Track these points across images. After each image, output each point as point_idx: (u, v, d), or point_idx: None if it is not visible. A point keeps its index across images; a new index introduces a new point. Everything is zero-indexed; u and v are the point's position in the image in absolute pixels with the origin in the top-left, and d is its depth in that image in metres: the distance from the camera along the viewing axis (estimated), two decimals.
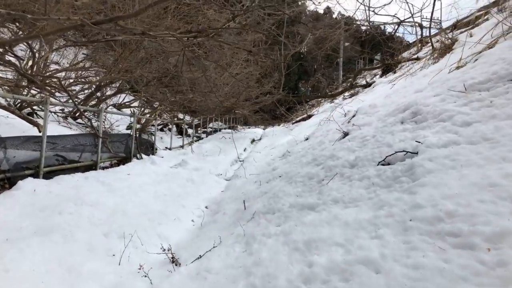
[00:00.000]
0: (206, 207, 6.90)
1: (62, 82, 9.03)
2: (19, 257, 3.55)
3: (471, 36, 10.87)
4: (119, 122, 14.54)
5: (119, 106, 16.18)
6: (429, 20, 14.65)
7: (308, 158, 6.54)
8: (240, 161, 12.89)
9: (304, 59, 40.31)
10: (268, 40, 12.06)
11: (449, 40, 12.18)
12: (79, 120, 12.81)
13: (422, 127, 4.31)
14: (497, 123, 3.27)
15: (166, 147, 13.44)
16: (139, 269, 4.00)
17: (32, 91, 9.74)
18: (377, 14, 30.97)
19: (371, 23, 18.87)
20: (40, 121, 7.35)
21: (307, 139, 9.80)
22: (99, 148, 7.76)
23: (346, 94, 21.39)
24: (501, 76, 4.26)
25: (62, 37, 5.71)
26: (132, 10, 6.21)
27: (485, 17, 14.75)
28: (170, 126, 18.00)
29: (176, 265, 4.10)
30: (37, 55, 8.05)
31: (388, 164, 3.90)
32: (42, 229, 4.30)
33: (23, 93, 9.25)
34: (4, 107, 6.36)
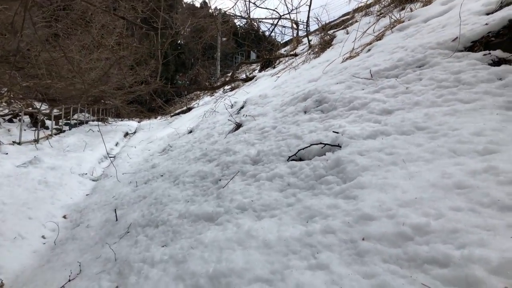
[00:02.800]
0: (64, 217, 5.38)
1: None
2: None
3: (347, 33, 11.26)
4: None
5: None
6: (306, 18, 15.04)
7: (196, 153, 5.56)
8: (111, 157, 11.17)
9: (182, 51, 38.86)
10: (143, 26, 10.62)
11: (328, 36, 12.52)
12: None
13: (333, 116, 3.76)
14: (425, 111, 2.83)
15: (14, 141, 10.88)
16: None
17: None
18: (258, 7, 31.51)
19: (250, 18, 18.76)
20: None
21: (191, 131, 8.79)
22: None
23: (227, 87, 20.97)
24: (408, 62, 3.97)
25: None
26: None
27: (352, 20, 15.83)
28: (21, 117, 14.93)
29: None
30: None
31: (301, 159, 3.22)
32: None
33: None
34: None
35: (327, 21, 19.13)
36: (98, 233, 4.07)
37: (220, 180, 3.78)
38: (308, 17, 16.66)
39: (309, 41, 15.53)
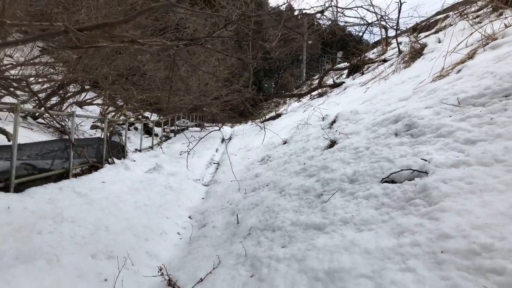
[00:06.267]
0: (190, 217, 6.65)
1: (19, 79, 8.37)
2: None
3: (439, 41, 11.23)
4: (83, 122, 13.84)
5: (81, 104, 15.40)
6: (396, 21, 14.95)
7: (295, 166, 6.44)
8: (214, 163, 12.64)
9: (270, 57, 40.30)
10: (241, 40, 11.84)
11: (418, 45, 12.53)
12: (40, 120, 12.02)
13: (421, 141, 4.32)
14: (505, 144, 3.31)
15: (136, 149, 12.92)
16: None
17: None
18: (345, 16, 31.15)
19: (338, 23, 19.10)
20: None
21: (285, 142, 9.72)
22: (71, 154, 7.26)
23: (314, 93, 21.61)
24: (495, 91, 4.35)
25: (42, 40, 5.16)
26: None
27: (445, 21, 15.35)
28: (136, 126, 17.36)
29: None
30: None
31: (393, 182, 3.88)
32: (24, 254, 3.92)
33: None
34: None
35: (418, 21, 18.62)
36: (224, 233, 5.15)
37: (321, 195, 4.59)
38: (398, 18, 16.40)
39: (398, 44, 15.51)
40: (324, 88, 20.00)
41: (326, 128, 7.99)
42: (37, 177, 6.25)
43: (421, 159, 3.81)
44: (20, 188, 5.62)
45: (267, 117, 23.44)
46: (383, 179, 4.02)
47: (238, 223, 5.19)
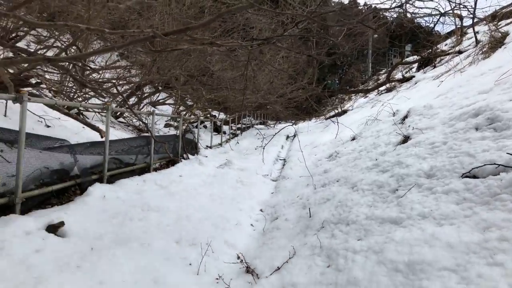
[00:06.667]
0: (261, 210, 6.90)
1: (103, 83, 9.21)
2: (109, 268, 3.63)
3: None
4: (158, 120, 14.78)
5: (154, 103, 16.44)
6: (472, 9, 13.91)
7: (366, 162, 6.40)
8: (281, 159, 12.86)
9: (334, 52, 39.67)
10: (309, 38, 11.91)
11: (499, 33, 11.66)
12: (120, 119, 13.10)
13: (506, 136, 4.12)
14: None
15: (207, 146, 13.55)
16: (217, 279, 4.04)
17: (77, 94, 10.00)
18: (414, 7, 29.75)
19: (406, 14, 18.26)
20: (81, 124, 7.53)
21: (353, 139, 9.62)
22: (152, 150, 7.87)
23: (382, 88, 20.93)
24: None
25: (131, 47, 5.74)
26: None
27: None
28: (205, 124, 18.15)
29: (253, 275, 4.10)
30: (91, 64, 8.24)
31: (475, 177, 3.76)
32: (120, 237, 4.40)
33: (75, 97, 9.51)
34: (67, 114, 6.52)
35: (497, 8, 17.22)
36: (297, 225, 5.31)
37: (397, 190, 4.55)
38: (475, 6, 15.25)
39: (475, 34, 14.50)
40: (393, 83, 19.31)
41: (398, 124, 7.80)
42: (124, 170, 6.89)
43: (507, 153, 3.65)
44: (111, 179, 6.26)
45: (332, 114, 23.14)
46: (463, 174, 3.90)
47: (310, 216, 5.32)
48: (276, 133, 8.88)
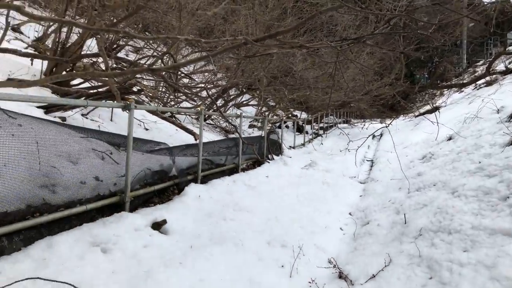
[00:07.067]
0: (350, 214, 6.72)
1: (195, 88, 9.72)
2: (207, 266, 3.83)
3: None
4: (242, 122, 15.23)
5: (238, 105, 16.93)
6: None
7: (468, 165, 5.87)
8: (368, 160, 12.40)
9: (423, 46, 37.17)
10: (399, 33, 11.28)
11: None
12: (208, 121, 13.74)
13: None
14: None
15: (290, 146, 13.61)
16: (310, 283, 4.03)
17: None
18: None
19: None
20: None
21: (450, 138, 8.90)
22: (240, 151, 8.13)
23: (480, 82, 19.06)
24: None
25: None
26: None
27: None
28: (287, 124, 18.24)
29: (346, 281, 4.01)
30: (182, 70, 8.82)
31: None
32: (215, 236, 4.61)
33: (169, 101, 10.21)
34: (164, 118, 7.03)
35: None
36: (390, 232, 5.07)
37: (508, 197, 4.10)
38: None
39: None
40: (494, 76, 17.45)
41: (505, 122, 7.03)
42: (216, 171, 7.23)
43: None
44: (204, 180, 6.60)
45: (422, 111, 21.68)
46: None
47: (405, 222, 5.03)
48: (370, 135, 8.58)
